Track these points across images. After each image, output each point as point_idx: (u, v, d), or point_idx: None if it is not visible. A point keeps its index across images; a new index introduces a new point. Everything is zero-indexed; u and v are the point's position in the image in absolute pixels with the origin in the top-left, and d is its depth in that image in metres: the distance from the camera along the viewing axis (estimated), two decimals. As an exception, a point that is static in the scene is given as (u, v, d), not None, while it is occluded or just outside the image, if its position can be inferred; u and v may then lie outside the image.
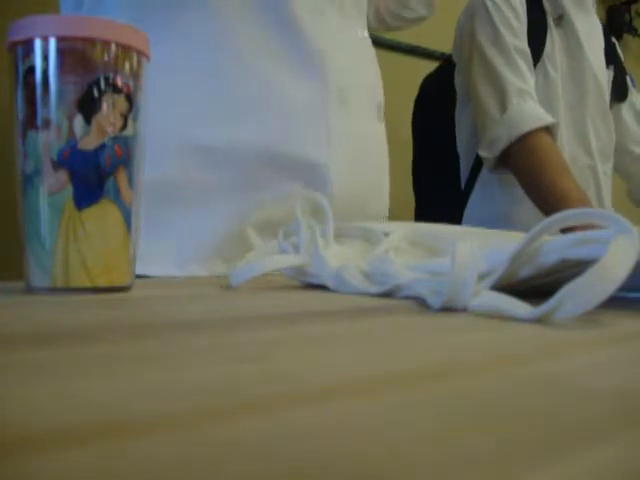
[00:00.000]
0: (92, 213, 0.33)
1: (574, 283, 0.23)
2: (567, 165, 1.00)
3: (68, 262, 0.33)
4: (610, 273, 0.23)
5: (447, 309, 0.28)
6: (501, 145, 1.01)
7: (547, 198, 0.98)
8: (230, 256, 0.57)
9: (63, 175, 0.33)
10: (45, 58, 0.32)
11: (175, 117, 0.56)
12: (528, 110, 1.01)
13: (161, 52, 0.45)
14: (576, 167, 1.08)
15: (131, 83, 0.34)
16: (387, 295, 0.34)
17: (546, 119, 1.00)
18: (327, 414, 0.12)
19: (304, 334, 0.21)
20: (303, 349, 0.18)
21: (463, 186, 1.17)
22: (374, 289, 0.34)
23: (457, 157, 1.18)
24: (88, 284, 0.33)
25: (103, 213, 0.33)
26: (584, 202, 0.97)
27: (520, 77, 1.03)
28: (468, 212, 1.16)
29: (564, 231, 0.28)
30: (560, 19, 1.11)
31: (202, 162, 0.56)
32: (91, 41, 0.33)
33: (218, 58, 0.57)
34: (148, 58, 0.36)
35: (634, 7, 2.45)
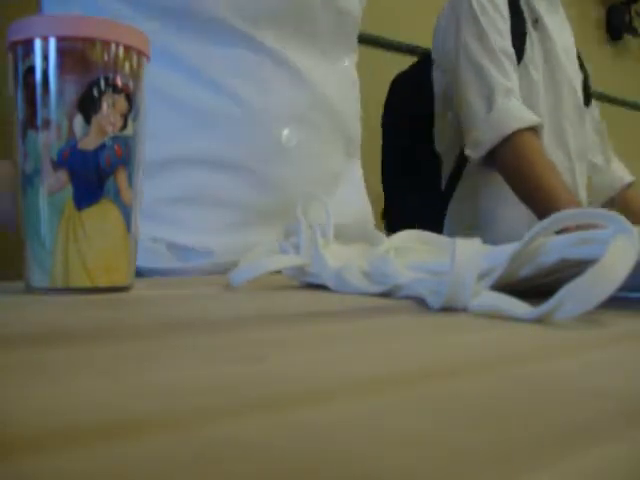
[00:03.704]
0: (92, 213, 0.33)
1: (574, 283, 0.23)
2: (554, 164, 1.02)
3: (68, 262, 0.33)
4: (610, 273, 0.23)
5: (447, 309, 0.27)
6: (487, 145, 1.02)
7: (536, 198, 0.99)
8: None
9: (63, 175, 0.33)
10: (45, 58, 0.32)
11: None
12: (513, 110, 1.02)
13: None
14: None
15: (131, 83, 0.34)
16: (387, 295, 0.34)
17: (531, 119, 1.01)
18: (327, 414, 0.12)
19: (304, 334, 0.21)
20: (303, 349, 0.18)
21: (444, 184, 1.18)
22: (374, 289, 0.34)
23: (427, 156, 1.18)
24: (88, 284, 0.33)
25: (103, 213, 0.33)
26: (572, 201, 0.98)
27: (506, 76, 1.04)
28: (452, 210, 1.17)
29: (559, 232, 0.28)
30: (536, 22, 1.14)
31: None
32: (91, 41, 0.33)
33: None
34: (148, 58, 0.36)
35: (634, 7, 2.45)
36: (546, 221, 0.27)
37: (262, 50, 0.58)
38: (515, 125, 1.00)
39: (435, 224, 1.15)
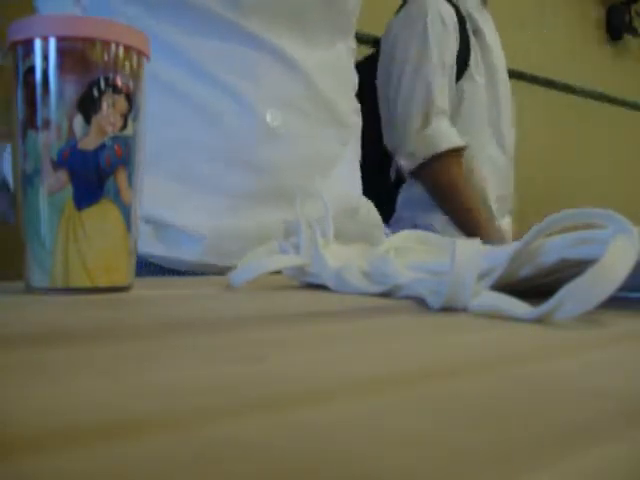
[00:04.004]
0: (92, 213, 0.33)
1: (574, 283, 0.23)
2: (469, 185, 1.17)
3: (68, 262, 0.33)
4: (610, 273, 0.23)
5: (447, 309, 0.27)
6: (419, 159, 1.15)
7: (455, 212, 1.16)
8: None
9: (63, 175, 0.33)
10: (45, 58, 0.32)
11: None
12: (445, 131, 1.15)
13: None
14: (496, 167, 1.24)
15: (131, 83, 0.34)
16: (387, 295, 0.34)
17: (458, 142, 1.15)
18: (327, 414, 0.12)
19: (304, 334, 0.21)
20: (303, 349, 0.18)
21: (393, 174, 1.26)
22: (374, 289, 0.34)
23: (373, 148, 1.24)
24: (88, 284, 0.33)
25: (103, 213, 0.33)
26: (486, 212, 1.16)
27: (443, 96, 1.16)
28: (405, 196, 1.24)
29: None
30: (475, 32, 1.25)
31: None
32: (91, 41, 0.33)
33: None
34: (148, 58, 0.36)
35: (634, 7, 2.45)
36: (545, 222, 0.27)
37: (253, 40, 0.59)
38: (444, 146, 1.13)
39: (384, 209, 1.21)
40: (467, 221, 1.15)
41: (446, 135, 1.14)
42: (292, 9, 0.61)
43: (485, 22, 1.27)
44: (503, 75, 1.28)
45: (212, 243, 0.57)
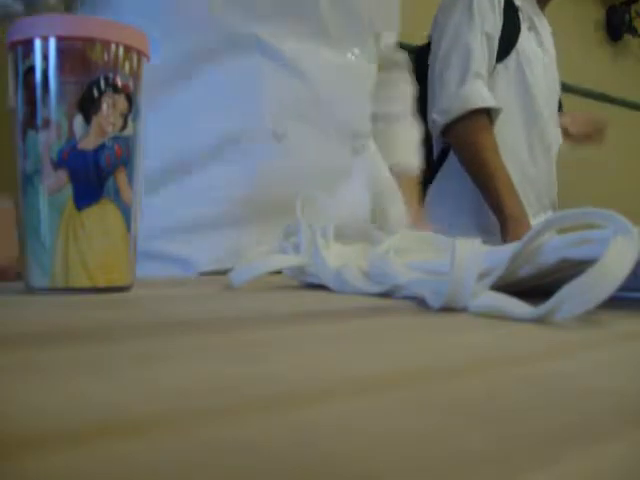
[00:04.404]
0: (92, 213, 0.33)
1: (574, 283, 0.23)
2: (497, 146, 1.18)
3: (68, 262, 0.33)
4: (610, 273, 0.23)
5: (447, 309, 0.27)
6: (453, 114, 1.17)
7: (478, 173, 1.17)
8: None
9: (63, 175, 0.33)
10: (45, 58, 0.32)
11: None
12: (479, 90, 1.17)
13: None
14: (520, 163, 1.26)
15: (131, 83, 0.34)
16: (387, 295, 0.34)
17: (491, 103, 1.17)
18: (327, 414, 0.12)
19: (304, 334, 0.21)
20: (303, 349, 0.18)
21: (436, 157, 1.30)
22: (374, 289, 0.34)
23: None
24: (88, 284, 0.33)
25: (103, 213, 0.33)
26: (509, 182, 1.17)
27: (481, 62, 1.19)
28: (436, 187, 1.27)
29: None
30: (531, 28, 1.29)
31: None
32: (91, 41, 0.33)
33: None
34: (148, 58, 0.36)
35: (634, 7, 2.46)
36: (546, 221, 0.27)
37: (260, 47, 0.58)
38: (479, 103, 1.16)
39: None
40: (488, 187, 1.16)
41: (480, 95, 1.16)
42: (299, 12, 0.60)
43: (542, 27, 1.32)
44: (555, 78, 1.32)
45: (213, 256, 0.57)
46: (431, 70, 1.23)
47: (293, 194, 0.45)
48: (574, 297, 0.23)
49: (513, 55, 1.23)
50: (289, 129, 0.59)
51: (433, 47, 1.24)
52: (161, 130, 0.55)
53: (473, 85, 1.17)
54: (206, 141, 0.58)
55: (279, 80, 0.59)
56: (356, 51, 0.66)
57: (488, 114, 1.18)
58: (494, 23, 1.21)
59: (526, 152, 1.26)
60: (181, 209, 0.58)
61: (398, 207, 0.75)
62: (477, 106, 1.15)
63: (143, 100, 0.36)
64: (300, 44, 0.60)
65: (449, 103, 1.18)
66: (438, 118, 1.20)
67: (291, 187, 0.58)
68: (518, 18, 1.25)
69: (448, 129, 1.20)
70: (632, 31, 2.47)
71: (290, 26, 0.60)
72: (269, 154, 0.59)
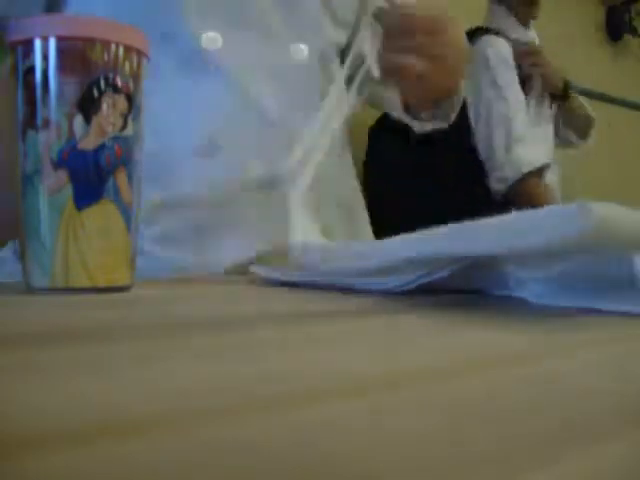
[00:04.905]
0: (92, 213, 0.33)
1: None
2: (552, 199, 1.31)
3: (68, 262, 0.33)
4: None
5: (447, 308, 0.27)
6: (510, 181, 1.30)
7: None
8: None
9: (63, 175, 0.33)
10: (45, 58, 0.32)
11: None
12: (525, 155, 1.31)
13: None
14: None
15: (131, 83, 0.34)
16: (387, 294, 0.34)
17: (537, 163, 1.30)
18: (327, 414, 0.12)
19: (304, 334, 0.21)
20: (303, 349, 0.18)
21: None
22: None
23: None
24: (88, 284, 0.33)
25: (103, 213, 0.33)
26: None
27: (520, 124, 1.32)
28: None
29: None
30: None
31: None
32: (91, 41, 0.33)
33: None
34: (148, 58, 0.36)
35: (634, 7, 2.45)
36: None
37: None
38: (525, 169, 1.28)
39: None
40: None
41: (527, 159, 1.30)
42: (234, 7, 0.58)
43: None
44: None
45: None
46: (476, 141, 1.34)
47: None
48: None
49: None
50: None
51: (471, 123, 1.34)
52: None
53: (517, 152, 1.29)
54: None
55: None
56: (304, 47, 0.63)
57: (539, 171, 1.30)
58: (516, 83, 1.34)
59: None
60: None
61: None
62: (522, 172, 1.28)
63: (143, 100, 0.36)
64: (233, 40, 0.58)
65: (502, 173, 1.30)
66: (497, 187, 1.32)
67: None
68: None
69: (506, 195, 1.31)
70: (632, 31, 2.47)
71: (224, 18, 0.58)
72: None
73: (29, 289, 0.34)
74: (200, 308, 0.28)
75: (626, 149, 2.52)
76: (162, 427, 0.11)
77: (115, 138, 0.34)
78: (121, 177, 0.34)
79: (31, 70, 0.32)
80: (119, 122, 0.34)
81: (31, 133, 0.33)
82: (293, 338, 0.20)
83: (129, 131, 0.34)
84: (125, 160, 0.34)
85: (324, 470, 0.09)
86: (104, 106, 0.33)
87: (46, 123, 0.33)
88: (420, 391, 0.14)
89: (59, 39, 0.32)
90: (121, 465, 0.09)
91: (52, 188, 0.33)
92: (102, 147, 0.33)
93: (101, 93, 0.33)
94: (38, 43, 0.32)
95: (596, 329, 0.23)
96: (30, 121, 0.33)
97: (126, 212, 0.34)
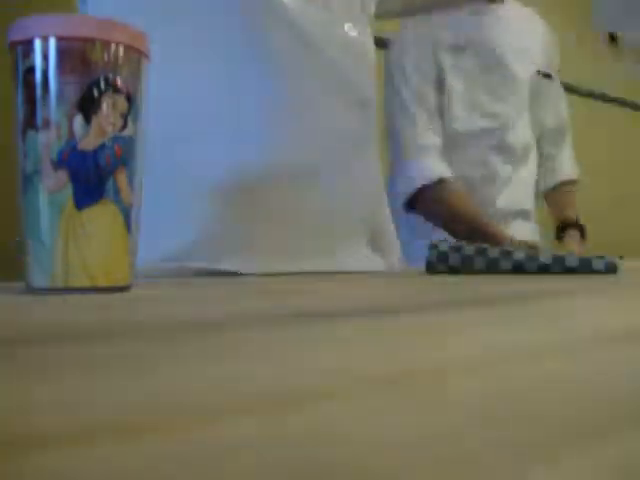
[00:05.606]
0: (92, 213, 0.33)
1: None
2: (462, 210, 1.18)
3: (68, 262, 0.33)
4: None
5: (446, 307, 0.28)
6: (416, 184, 1.17)
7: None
8: None
9: (63, 175, 0.33)
10: (45, 58, 0.32)
11: None
12: (424, 167, 1.18)
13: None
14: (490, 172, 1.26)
15: (131, 83, 0.34)
16: (387, 294, 0.34)
17: (433, 176, 1.17)
18: (327, 414, 0.12)
19: (304, 334, 0.21)
20: (303, 349, 0.18)
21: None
22: None
23: None
24: (88, 284, 0.33)
25: (103, 213, 0.34)
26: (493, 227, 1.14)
27: (426, 133, 1.19)
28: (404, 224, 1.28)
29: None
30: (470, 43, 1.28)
31: None
32: (91, 41, 0.33)
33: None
34: (148, 58, 0.36)
35: (634, 7, 2.45)
36: None
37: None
38: (420, 182, 1.17)
39: None
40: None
41: (425, 170, 1.18)
42: None
43: (491, 24, 1.25)
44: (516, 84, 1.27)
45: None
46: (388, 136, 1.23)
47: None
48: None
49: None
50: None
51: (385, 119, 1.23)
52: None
53: (418, 162, 1.18)
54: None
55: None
56: (358, 30, 0.67)
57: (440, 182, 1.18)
58: (430, 93, 1.21)
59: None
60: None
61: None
62: (418, 186, 1.16)
63: (143, 100, 0.36)
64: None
65: (400, 182, 1.20)
66: (404, 189, 1.20)
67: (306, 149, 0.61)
68: (442, 65, 1.23)
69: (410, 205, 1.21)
70: (632, 31, 2.47)
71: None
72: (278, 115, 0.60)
73: (29, 289, 0.34)
74: (200, 308, 0.28)
75: (626, 149, 2.52)
76: (162, 427, 0.11)
77: (115, 138, 0.34)
78: (121, 177, 0.34)
79: (31, 70, 0.33)
80: (119, 122, 0.34)
81: (31, 133, 0.33)
82: (293, 338, 0.20)
83: (129, 131, 0.34)
84: (125, 160, 0.34)
85: (324, 470, 0.09)
86: (104, 106, 0.33)
87: (46, 123, 0.33)
88: (420, 391, 0.14)
89: (59, 39, 0.32)
90: (121, 465, 0.09)
91: (52, 188, 0.33)
92: (102, 147, 0.33)
93: (101, 93, 0.33)
94: (38, 43, 0.32)
95: (595, 329, 0.23)
96: (30, 121, 0.33)
97: (126, 212, 0.35)
